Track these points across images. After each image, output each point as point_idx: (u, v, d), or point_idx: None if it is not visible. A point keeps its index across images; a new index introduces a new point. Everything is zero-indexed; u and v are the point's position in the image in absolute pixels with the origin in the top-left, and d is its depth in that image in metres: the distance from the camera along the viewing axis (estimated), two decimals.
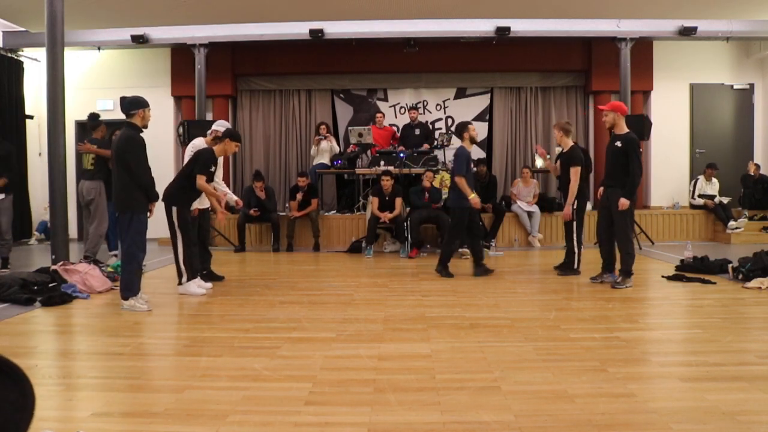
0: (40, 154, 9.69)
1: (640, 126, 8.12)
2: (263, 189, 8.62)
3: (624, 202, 5.14)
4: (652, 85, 10.03)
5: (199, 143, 5.53)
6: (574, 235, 6.00)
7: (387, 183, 7.77)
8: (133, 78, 10.00)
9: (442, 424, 2.32)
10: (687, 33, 8.55)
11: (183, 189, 5.14)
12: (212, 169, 5.16)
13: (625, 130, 5.26)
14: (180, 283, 5.18)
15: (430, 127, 9.97)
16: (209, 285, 5.43)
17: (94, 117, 7.12)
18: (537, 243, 8.61)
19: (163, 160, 9.67)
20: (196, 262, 5.28)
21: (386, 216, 7.71)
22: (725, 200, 9.16)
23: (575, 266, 6.00)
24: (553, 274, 6.11)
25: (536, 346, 3.41)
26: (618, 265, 5.38)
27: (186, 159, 5.47)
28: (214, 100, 10.00)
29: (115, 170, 4.56)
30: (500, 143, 10.30)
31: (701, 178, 9.38)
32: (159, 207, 4.83)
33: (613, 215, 5.27)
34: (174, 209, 5.07)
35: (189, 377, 2.94)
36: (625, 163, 5.15)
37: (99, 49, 9.31)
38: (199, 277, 5.34)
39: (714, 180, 9.33)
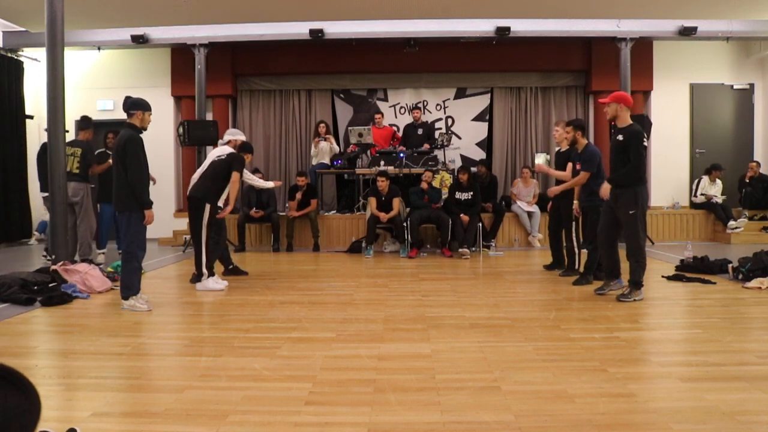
0: None
1: (640, 126, 8.13)
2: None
3: (605, 188, 4.71)
4: (652, 85, 10.04)
5: (227, 149, 5.74)
6: (573, 234, 6.02)
7: (383, 184, 7.77)
8: (133, 78, 10.00)
9: (442, 424, 2.32)
10: (687, 33, 8.55)
11: (218, 189, 5.44)
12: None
13: (629, 122, 4.76)
14: (199, 281, 5.40)
15: (433, 126, 9.98)
16: (225, 282, 5.56)
17: (86, 119, 7.15)
18: (537, 243, 8.61)
19: (163, 160, 9.70)
20: (214, 259, 5.65)
21: (383, 216, 7.72)
22: (719, 199, 9.17)
23: (576, 266, 6.00)
24: (552, 275, 6.10)
25: (536, 346, 3.41)
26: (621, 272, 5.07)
27: (210, 161, 5.62)
28: (214, 100, 10.01)
29: (115, 170, 4.56)
30: (500, 143, 10.30)
31: (705, 178, 9.38)
32: (158, 209, 4.83)
33: (622, 220, 4.72)
34: (208, 206, 5.33)
35: (189, 377, 2.94)
36: (628, 160, 4.63)
37: (99, 49, 9.31)
38: (216, 275, 5.60)
39: (718, 181, 9.35)
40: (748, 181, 9.43)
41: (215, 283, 5.38)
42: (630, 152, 4.62)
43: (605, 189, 4.77)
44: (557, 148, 6.37)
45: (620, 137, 4.71)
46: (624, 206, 4.67)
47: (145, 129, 4.64)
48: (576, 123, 5.72)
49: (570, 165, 5.94)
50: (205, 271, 5.34)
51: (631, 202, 4.64)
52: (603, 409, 2.44)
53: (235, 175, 5.46)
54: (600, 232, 5.00)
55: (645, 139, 4.71)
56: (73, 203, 6.67)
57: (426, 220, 7.91)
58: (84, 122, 7.11)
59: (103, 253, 7.27)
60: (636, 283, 4.72)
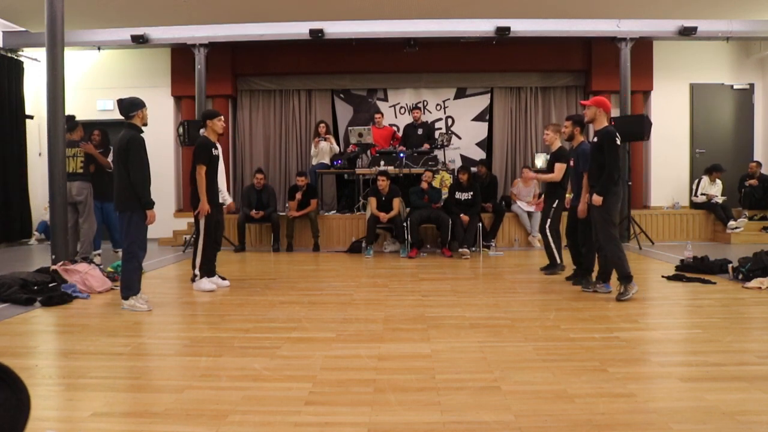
0: (40, 154, 9.70)
1: (640, 126, 8.14)
2: (263, 182, 8.62)
3: (597, 199, 4.73)
4: (652, 85, 10.04)
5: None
6: (547, 231, 6.09)
7: (383, 183, 7.78)
8: (133, 78, 10.01)
9: (442, 424, 2.32)
10: (687, 33, 8.56)
11: (207, 187, 5.34)
12: (215, 152, 5.40)
13: (604, 124, 4.88)
14: (192, 280, 5.44)
15: (433, 126, 9.99)
16: (226, 283, 5.56)
17: (70, 119, 7.01)
18: (537, 243, 8.60)
19: (163, 160, 9.70)
20: (212, 264, 5.55)
21: (383, 216, 7.72)
22: (720, 200, 9.18)
23: (559, 261, 6.05)
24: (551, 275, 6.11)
25: (536, 346, 3.41)
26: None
27: None
28: (214, 100, 10.00)
29: (116, 170, 4.56)
30: (500, 143, 10.30)
31: (705, 178, 9.38)
32: (158, 209, 4.82)
33: (592, 217, 4.91)
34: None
35: (189, 377, 2.94)
36: (602, 161, 4.76)
37: (99, 49, 9.32)
38: (216, 275, 5.57)
39: (718, 181, 9.35)
40: (755, 174, 9.40)
41: (208, 283, 5.37)
42: (604, 153, 4.75)
43: (596, 200, 4.79)
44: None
45: (595, 139, 4.91)
46: (594, 203, 4.82)
47: (146, 125, 4.66)
48: (576, 118, 5.70)
49: (558, 165, 6.05)
50: (197, 272, 5.36)
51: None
52: (603, 409, 2.44)
53: (198, 168, 5.26)
54: (592, 234, 5.06)
55: (617, 138, 4.80)
56: (76, 202, 6.68)
57: (426, 220, 7.91)
58: (70, 123, 6.92)
59: (99, 254, 7.24)
60: (625, 278, 4.74)
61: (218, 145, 5.56)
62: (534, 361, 3.14)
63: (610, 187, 4.74)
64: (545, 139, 6.27)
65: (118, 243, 7.43)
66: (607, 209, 4.77)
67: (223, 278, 5.62)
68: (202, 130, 5.60)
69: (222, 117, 5.52)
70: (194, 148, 5.42)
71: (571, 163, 5.62)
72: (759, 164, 9.53)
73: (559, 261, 6.10)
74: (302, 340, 3.63)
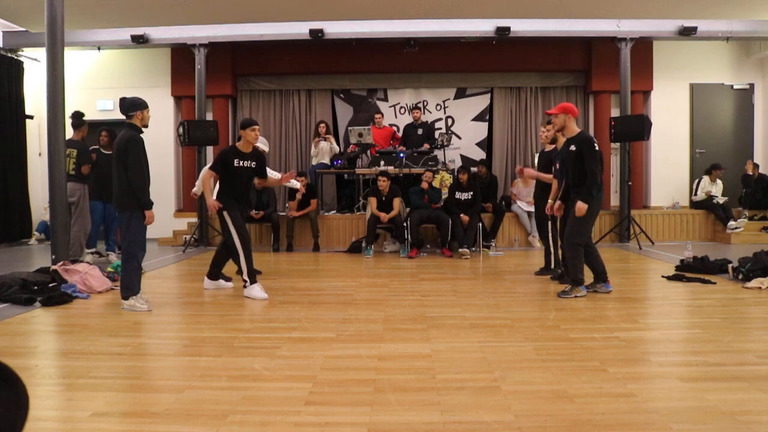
0: (40, 154, 9.71)
1: (640, 126, 8.14)
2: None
3: (581, 206, 4.72)
4: (652, 85, 10.05)
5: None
6: (549, 234, 6.04)
7: (383, 184, 7.78)
8: (133, 78, 10.01)
9: (442, 424, 2.32)
10: (687, 33, 8.56)
11: (223, 192, 5.14)
12: (239, 163, 5.07)
13: (576, 131, 4.88)
14: (245, 287, 5.05)
15: (433, 126, 9.99)
16: (230, 284, 5.48)
17: (78, 116, 6.95)
18: (537, 243, 8.61)
19: (163, 160, 9.71)
20: (220, 267, 5.42)
21: (383, 216, 7.72)
22: (721, 200, 9.18)
23: (552, 266, 6.02)
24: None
25: (536, 346, 3.41)
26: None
27: None
28: (214, 100, 10.01)
29: (115, 170, 4.56)
30: (500, 143, 10.30)
31: (706, 178, 9.38)
32: (158, 210, 4.82)
33: (570, 216, 4.91)
34: (225, 213, 5.03)
35: (189, 377, 2.94)
36: (581, 169, 4.76)
37: (99, 49, 9.32)
38: (220, 279, 5.45)
39: (718, 181, 9.35)
40: (754, 174, 9.39)
41: (260, 290, 4.98)
42: (585, 161, 4.74)
43: (581, 208, 4.76)
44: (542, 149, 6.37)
45: (573, 147, 4.85)
46: (574, 204, 4.82)
47: (146, 126, 4.63)
48: None
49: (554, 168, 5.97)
50: (246, 278, 5.01)
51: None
52: (603, 409, 2.44)
53: (206, 172, 5.29)
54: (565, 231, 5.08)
55: (595, 144, 4.80)
56: (70, 203, 6.66)
57: (426, 220, 7.91)
58: (77, 120, 6.93)
59: (92, 254, 7.22)
60: (575, 281, 4.85)
61: (257, 155, 5.23)
62: (534, 361, 3.13)
63: (594, 193, 4.74)
64: (541, 136, 6.21)
65: (111, 246, 7.43)
66: (590, 215, 4.79)
67: (228, 279, 5.53)
68: (238, 143, 5.23)
69: (255, 127, 5.12)
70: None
71: (557, 165, 5.60)
72: (756, 165, 9.51)
73: (553, 266, 6.05)
74: (302, 340, 3.63)
